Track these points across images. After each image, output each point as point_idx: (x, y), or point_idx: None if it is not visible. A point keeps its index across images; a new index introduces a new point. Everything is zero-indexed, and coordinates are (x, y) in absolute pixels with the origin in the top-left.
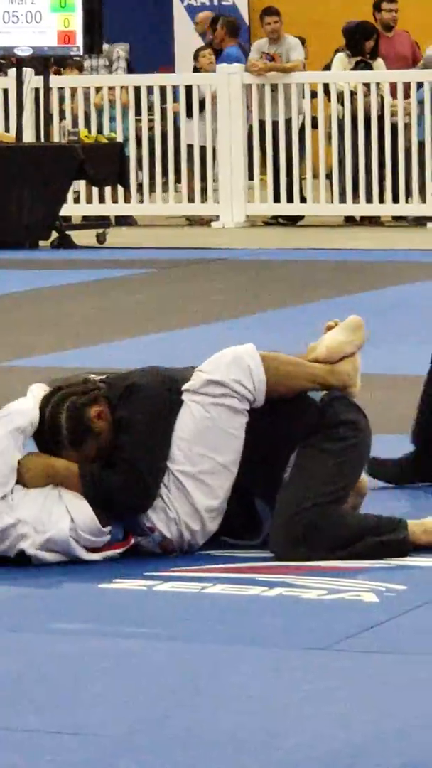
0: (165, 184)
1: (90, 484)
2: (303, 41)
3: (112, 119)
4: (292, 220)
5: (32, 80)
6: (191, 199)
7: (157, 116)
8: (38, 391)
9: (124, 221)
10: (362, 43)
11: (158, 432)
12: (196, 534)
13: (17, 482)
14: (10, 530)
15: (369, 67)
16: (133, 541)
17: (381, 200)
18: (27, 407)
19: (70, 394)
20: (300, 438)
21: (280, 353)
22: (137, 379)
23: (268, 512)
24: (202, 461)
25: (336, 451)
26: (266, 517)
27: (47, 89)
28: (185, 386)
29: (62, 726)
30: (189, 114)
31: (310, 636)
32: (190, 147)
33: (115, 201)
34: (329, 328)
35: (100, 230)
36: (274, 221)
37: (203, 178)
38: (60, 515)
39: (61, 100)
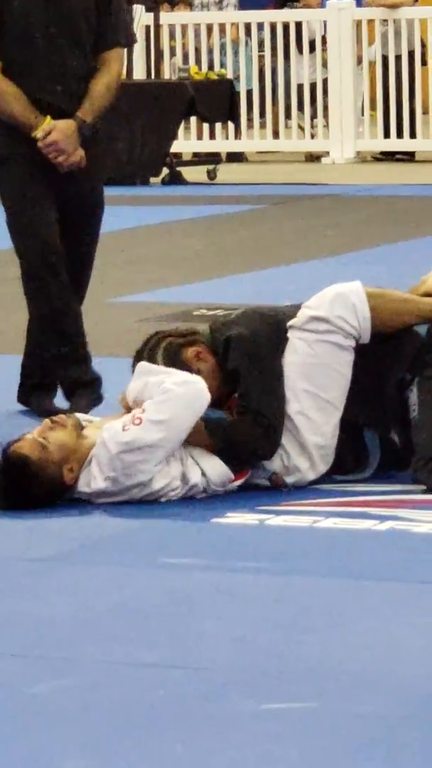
0: (275, 120)
1: (219, 437)
2: None
3: (222, 56)
4: (409, 156)
5: (142, 17)
6: (301, 136)
7: (267, 53)
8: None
9: (235, 158)
10: None
11: (274, 375)
12: (306, 472)
13: None
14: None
15: None
16: (249, 473)
17: None
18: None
19: (167, 336)
20: (404, 369)
21: (388, 290)
22: (238, 329)
23: (377, 444)
24: (307, 398)
25: None
26: (374, 449)
27: (157, 26)
28: (290, 323)
29: (174, 660)
30: (299, 50)
31: (421, 570)
32: (300, 86)
33: (225, 137)
34: None
35: (211, 166)
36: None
37: (313, 115)
38: (192, 472)
39: (171, 37)
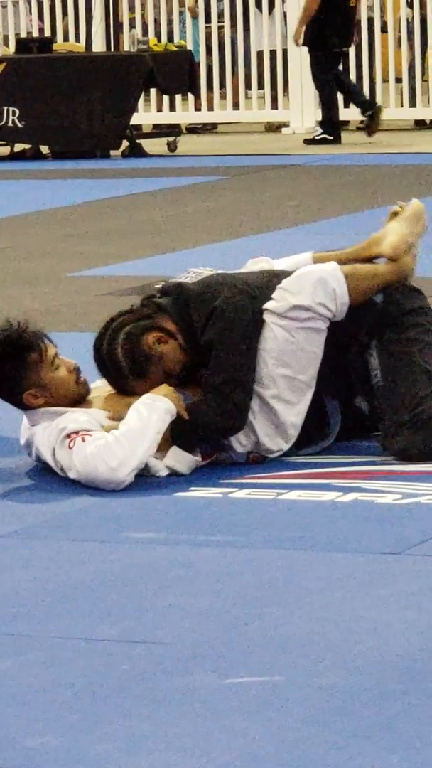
0: (235, 91)
1: (177, 422)
2: None
3: (182, 27)
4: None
5: None
6: (261, 106)
7: (227, 22)
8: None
9: (204, 129)
10: None
11: (245, 354)
12: (284, 449)
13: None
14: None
15: None
16: (215, 455)
17: None
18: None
19: (122, 324)
20: (363, 335)
21: (357, 266)
22: (222, 302)
23: (338, 410)
24: (284, 382)
25: (413, 339)
26: (335, 417)
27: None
28: (268, 306)
29: (139, 635)
30: (259, 8)
31: (384, 541)
32: (260, 53)
33: (185, 109)
34: (395, 213)
35: (171, 138)
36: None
37: (273, 85)
38: (154, 464)
39: (131, 8)
